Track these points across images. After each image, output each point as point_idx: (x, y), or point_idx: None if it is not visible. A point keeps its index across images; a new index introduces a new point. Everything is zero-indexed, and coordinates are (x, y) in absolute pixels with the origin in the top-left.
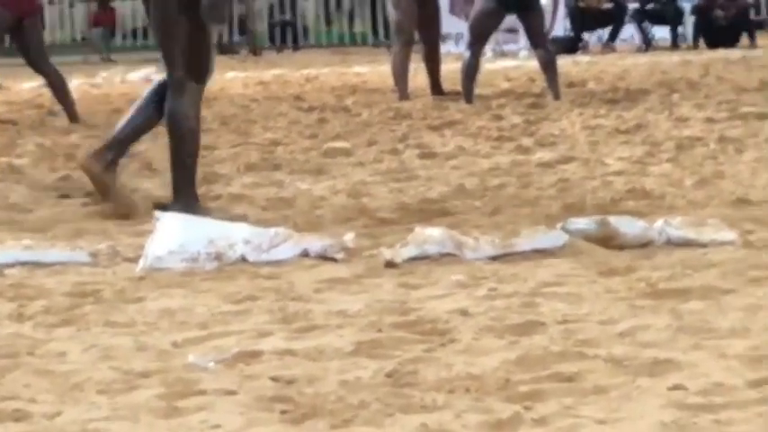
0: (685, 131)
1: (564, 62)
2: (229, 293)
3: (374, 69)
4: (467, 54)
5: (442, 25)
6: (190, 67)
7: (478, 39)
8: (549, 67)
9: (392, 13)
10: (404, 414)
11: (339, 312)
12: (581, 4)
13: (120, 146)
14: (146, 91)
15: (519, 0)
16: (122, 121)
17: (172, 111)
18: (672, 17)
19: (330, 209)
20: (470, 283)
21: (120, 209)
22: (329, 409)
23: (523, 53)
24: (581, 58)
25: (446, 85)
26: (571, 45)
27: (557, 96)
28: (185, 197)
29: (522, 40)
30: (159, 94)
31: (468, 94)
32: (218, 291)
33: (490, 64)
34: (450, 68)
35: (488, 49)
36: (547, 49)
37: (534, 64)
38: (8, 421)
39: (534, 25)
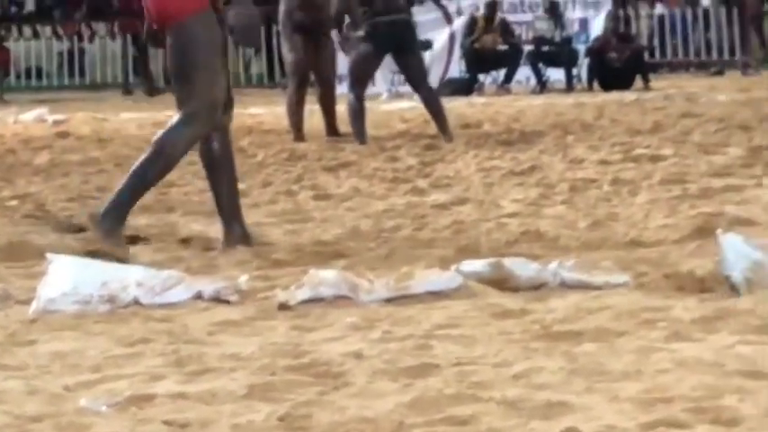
0: (579, 173)
1: (459, 103)
2: (122, 336)
3: (270, 110)
4: (350, 96)
5: (337, 66)
6: (201, 99)
7: (359, 81)
8: (433, 108)
9: (287, 55)
10: None
11: (232, 355)
12: (476, 46)
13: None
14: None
15: (394, 42)
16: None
17: (169, 134)
18: (566, 59)
19: (224, 251)
20: (364, 326)
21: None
22: None
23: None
24: (476, 99)
25: (342, 126)
26: (466, 86)
27: (448, 138)
28: (238, 226)
29: None
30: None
31: (360, 135)
32: (111, 333)
33: (386, 105)
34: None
35: (384, 90)
36: (428, 89)
37: None
38: None
39: (411, 67)
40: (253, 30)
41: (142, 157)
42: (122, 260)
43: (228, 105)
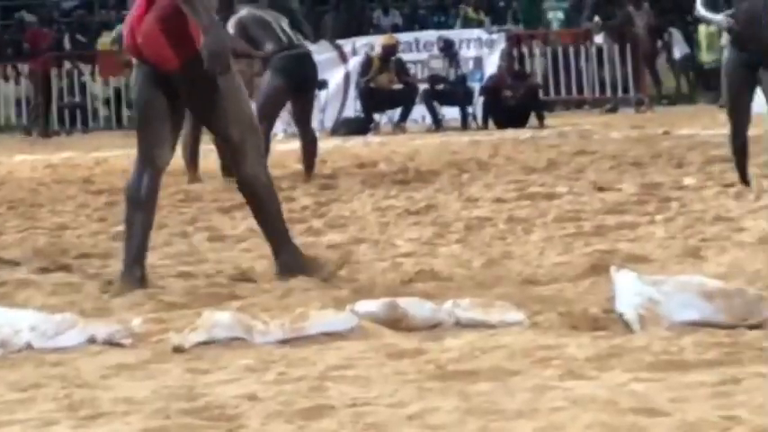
0: (474, 212)
1: (355, 143)
2: (14, 381)
3: None
4: None
5: None
6: (241, 126)
7: (267, 119)
8: (311, 150)
9: None
10: None
11: (126, 399)
12: (372, 85)
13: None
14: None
15: (307, 81)
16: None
17: (241, 176)
18: (461, 98)
19: (118, 293)
20: (259, 368)
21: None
22: None
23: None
24: (372, 138)
25: None
26: (362, 126)
27: (309, 177)
28: (286, 251)
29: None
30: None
31: None
32: (2, 378)
33: (282, 144)
34: None
35: (279, 130)
36: (312, 131)
37: (326, 145)
38: None
39: (307, 108)
40: (220, 54)
41: (257, 205)
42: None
43: (174, 146)
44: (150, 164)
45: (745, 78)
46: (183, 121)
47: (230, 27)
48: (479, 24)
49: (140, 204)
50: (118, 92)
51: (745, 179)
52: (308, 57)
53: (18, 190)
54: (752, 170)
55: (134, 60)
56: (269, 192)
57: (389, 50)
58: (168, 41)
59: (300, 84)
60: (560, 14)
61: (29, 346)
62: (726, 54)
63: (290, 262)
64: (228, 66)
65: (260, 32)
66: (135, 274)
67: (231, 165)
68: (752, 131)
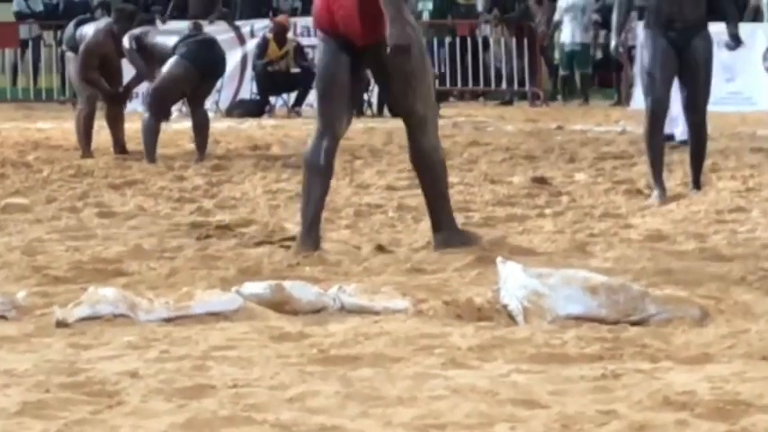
0: (365, 198)
1: (249, 125)
2: None
3: (59, 125)
4: (147, 115)
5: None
6: (425, 102)
7: (162, 101)
8: (203, 130)
9: (72, 71)
10: None
11: (6, 371)
12: (269, 68)
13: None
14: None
15: (214, 68)
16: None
17: (421, 148)
18: None
19: (4, 266)
20: (142, 345)
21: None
22: None
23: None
24: (267, 121)
25: (130, 144)
26: (257, 108)
27: (200, 158)
28: (448, 226)
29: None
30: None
31: (150, 154)
32: None
33: (176, 124)
34: (135, 127)
35: (174, 109)
36: (205, 112)
37: (220, 126)
38: None
39: (206, 92)
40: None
41: (432, 178)
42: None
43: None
44: (330, 133)
45: (668, 64)
46: (360, 95)
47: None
48: None
49: (319, 171)
50: (14, 65)
51: (658, 180)
52: (214, 43)
53: None
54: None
55: (319, 34)
56: (443, 167)
57: (280, 29)
58: (369, 19)
59: (207, 70)
60: (429, 5)
61: None
62: (642, 39)
63: (451, 236)
64: (410, 54)
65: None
66: (312, 236)
67: (410, 138)
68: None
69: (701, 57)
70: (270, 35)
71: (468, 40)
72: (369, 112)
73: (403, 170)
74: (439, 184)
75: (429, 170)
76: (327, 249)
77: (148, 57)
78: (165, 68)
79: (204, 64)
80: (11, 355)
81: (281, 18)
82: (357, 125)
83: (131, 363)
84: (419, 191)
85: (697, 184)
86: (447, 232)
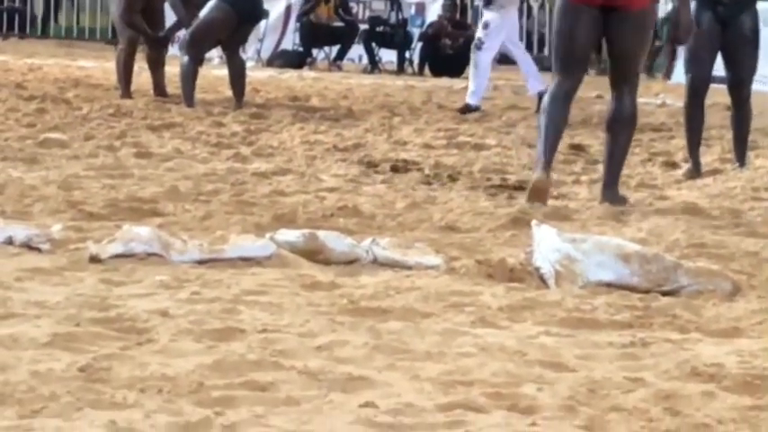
0: (402, 155)
1: (290, 76)
2: None
3: (99, 65)
4: (185, 58)
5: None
6: (640, 67)
7: (198, 44)
8: (239, 76)
9: (114, 12)
10: (93, 409)
11: (38, 303)
12: (312, 20)
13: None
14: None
15: (254, 12)
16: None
17: (627, 106)
18: (400, 42)
19: (40, 199)
20: (174, 285)
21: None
22: (18, 398)
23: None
24: (307, 73)
25: (170, 87)
26: (299, 60)
27: (238, 105)
28: (615, 184)
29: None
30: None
31: (188, 98)
32: None
33: (216, 70)
34: (176, 71)
35: (215, 56)
36: (241, 59)
37: (260, 75)
38: None
39: (242, 34)
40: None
41: (625, 136)
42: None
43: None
44: (568, 85)
45: (711, 40)
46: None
47: None
48: None
49: (556, 116)
50: (57, 1)
51: (693, 155)
52: None
53: None
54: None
55: None
56: (634, 130)
57: None
58: None
59: (246, 15)
60: None
61: None
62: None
63: (615, 195)
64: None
65: None
66: (547, 175)
67: (618, 97)
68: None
69: (748, 32)
70: None
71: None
72: (409, 71)
73: (440, 129)
74: (625, 143)
75: (625, 128)
76: (362, 202)
77: (189, 3)
78: (204, 11)
79: (243, 8)
80: (43, 287)
81: None
82: (397, 82)
83: (162, 302)
84: (456, 151)
85: (742, 161)
86: (614, 189)
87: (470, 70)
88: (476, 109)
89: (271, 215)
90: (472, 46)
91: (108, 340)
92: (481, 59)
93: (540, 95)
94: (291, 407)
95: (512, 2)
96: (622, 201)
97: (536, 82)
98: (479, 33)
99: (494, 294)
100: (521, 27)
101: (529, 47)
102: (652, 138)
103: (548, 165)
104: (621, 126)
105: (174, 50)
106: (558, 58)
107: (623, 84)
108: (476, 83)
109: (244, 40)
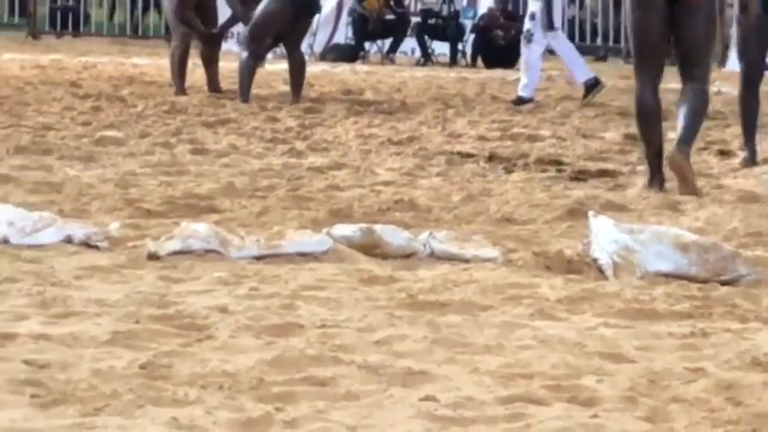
0: (457, 147)
1: (342, 69)
2: None
3: (153, 62)
4: (244, 54)
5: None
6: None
7: (258, 39)
8: (299, 72)
9: (168, 9)
10: (155, 406)
11: (98, 301)
12: (364, 14)
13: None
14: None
15: (310, 6)
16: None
17: (705, 98)
18: (453, 34)
19: (97, 197)
20: (232, 281)
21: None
22: (80, 396)
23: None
24: (360, 66)
25: (224, 83)
26: (351, 53)
27: (296, 100)
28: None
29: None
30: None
31: (244, 93)
32: None
33: (269, 65)
34: (229, 66)
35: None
36: (301, 54)
37: (314, 69)
38: None
39: (300, 30)
40: None
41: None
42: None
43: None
44: (652, 80)
45: (761, 28)
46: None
47: None
48: None
49: (651, 115)
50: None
51: (749, 144)
52: None
53: (4, 87)
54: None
55: None
56: (705, 115)
57: None
58: None
59: (302, 8)
60: None
61: (5, 241)
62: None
63: (688, 152)
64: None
65: None
66: (658, 177)
67: (687, 86)
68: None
69: None
70: None
71: None
72: (462, 62)
73: (495, 121)
74: (701, 116)
75: (702, 105)
76: (418, 195)
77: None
78: (261, 6)
79: (299, 1)
80: (103, 285)
81: None
82: (450, 74)
83: (221, 298)
84: (511, 142)
85: None
86: (687, 149)
87: (521, 63)
88: (529, 101)
89: (327, 210)
90: (522, 38)
91: (168, 337)
92: (532, 51)
93: (587, 85)
94: (351, 401)
95: None
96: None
97: (580, 72)
98: (528, 25)
99: (552, 286)
100: (572, 17)
101: (582, 37)
102: (708, 126)
103: (658, 171)
104: (693, 102)
105: (227, 46)
106: (636, 53)
107: (693, 73)
108: (528, 75)
109: (303, 35)
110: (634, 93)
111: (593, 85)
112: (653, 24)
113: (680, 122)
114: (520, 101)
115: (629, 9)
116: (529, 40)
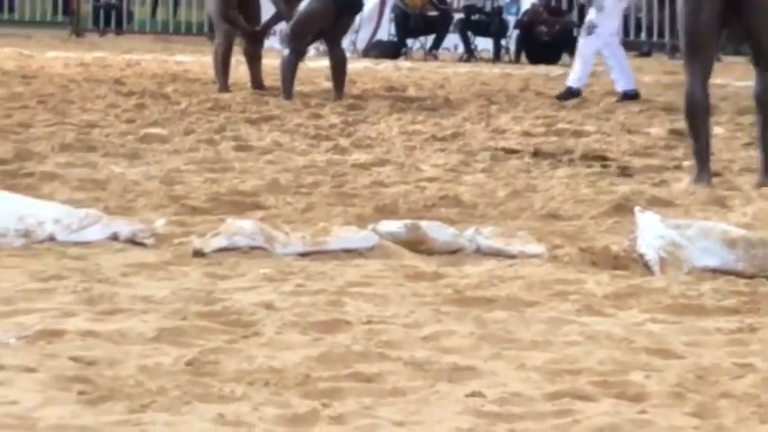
0: (501, 143)
1: (386, 66)
2: (35, 271)
3: (197, 59)
4: (286, 51)
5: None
6: None
7: (301, 37)
8: (340, 67)
9: (211, 5)
10: (202, 403)
11: (144, 297)
12: (407, 10)
13: None
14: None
15: (353, 5)
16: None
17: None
18: (496, 29)
19: (142, 194)
20: (278, 278)
21: None
22: (127, 392)
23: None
24: (403, 63)
25: (267, 80)
26: (394, 50)
27: (338, 96)
28: None
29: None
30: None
31: (287, 90)
32: (25, 268)
33: (312, 62)
34: (272, 63)
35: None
36: (342, 50)
37: (356, 66)
38: None
39: (342, 27)
40: None
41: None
42: None
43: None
44: (702, 75)
45: None
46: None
47: None
48: None
49: (701, 111)
50: None
51: None
52: None
53: (49, 85)
54: None
55: None
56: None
57: None
58: None
59: (345, 6)
60: None
61: (52, 238)
62: None
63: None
64: None
65: None
66: (707, 172)
67: (758, 74)
68: None
69: None
70: None
71: None
72: (506, 58)
73: (539, 117)
74: None
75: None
76: (463, 191)
77: None
78: (303, 4)
79: (344, 2)
80: (149, 282)
81: None
82: (493, 70)
83: (267, 295)
84: (556, 138)
85: None
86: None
87: (577, 54)
88: (577, 93)
89: (372, 206)
90: (582, 29)
91: (214, 334)
92: (590, 43)
93: (626, 95)
94: (398, 397)
95: None
96: None
97: (623, 79)
98: (591, 16)
99: (598, 282)
100: None
101: (626, 32)
102: (753, 121)
103: (706, 167)
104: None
105: (270, 43)
106: (687, 48)
107: (762, 61)
108: (581, 67)
109: (344, 32)
110: (684, 88)
111: (630, 97)
112: (705, 20)
113: (760, 133)
114: (568, 93)
115: (681, 4)
116: (589, 32)
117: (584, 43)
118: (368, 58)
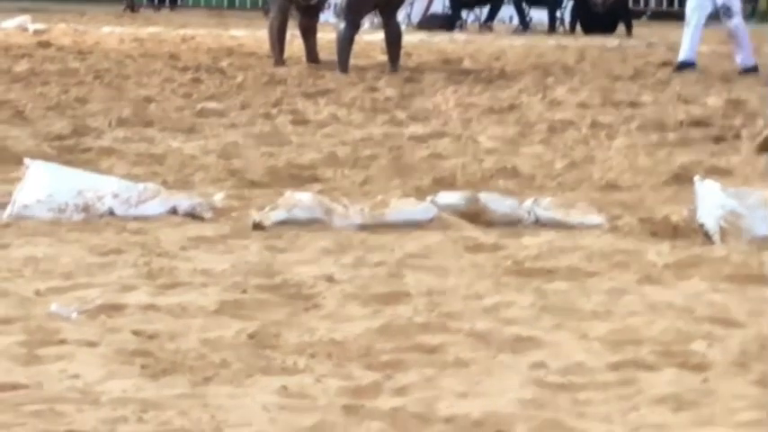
0: (558, 114)
1: (441, 39)
2: (95, 245)
3: (251, 33)
4: (343, 25)
5: None
6: None
7: (358, 11)
8: (395, 40)
9: None
10: (264, 375)
11: (204, 271)
12: None
13: None
14: None
15: None
16: None
17: None
18: (551, 1)
19: (200, 168)
20: (337, 251)
21: None
22: (189, 365)
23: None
24: (458, 36)
25: (322, 54)
26: (449, 23)
27: (394, 69)
28: None
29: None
30: None
31: (343, 63)
32: (85, 242)
33: (367, 35)
34: (327, 37)
35: (366, 21)
36: (397, 23)
37: (412, 39)
38: None
39: (399, 2)
40: None
41: None
42: None
43: None
44: None
45: None
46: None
47: None
48: None
49: None
50: None
51: None
52: None
53: (104, 61)
54: None
55: None
56: None
57: None
58: None
59: None
60: None
61: (111, 213)
62: None
63: None
64: None
65: None
66: None
67: None
68: None
69: None
70: None
71: None
72: (561, 30)
73: (595, 88)
74: None
75: None
76: (521, 163)
77: None
78: None
79: None
80: (208, 255)
81: None
82: (549, 42)
83: (327, 267)
84: (613, 109)
85: None
86: None
87: (736, 40)
88: (691, 64)
89: (430, 178)
90: (721, 15)
91: (275, 306)
92: (738, 22)
93: (746, 69)
94: (461, 369)
95: None
96: None
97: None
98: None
99: (658, 252)
100: None
101: (681, 2)
102: None
103: None
104: None
105: (325, 17)
106: None
107: None
108: (742, 45)
109: (399, 5)
110: None
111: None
112: None
113: None
114: (683, 65)
115: None
116: (729, 16)
117: (731, 27)
118: (423, 30)
